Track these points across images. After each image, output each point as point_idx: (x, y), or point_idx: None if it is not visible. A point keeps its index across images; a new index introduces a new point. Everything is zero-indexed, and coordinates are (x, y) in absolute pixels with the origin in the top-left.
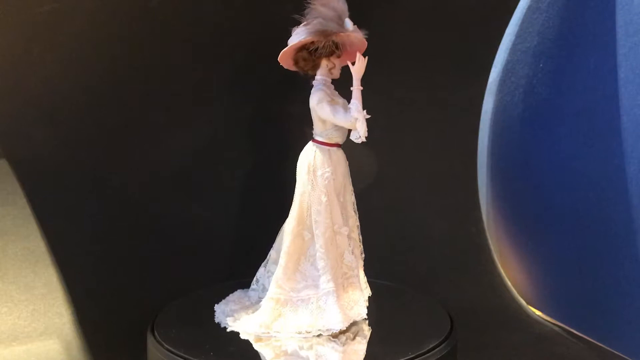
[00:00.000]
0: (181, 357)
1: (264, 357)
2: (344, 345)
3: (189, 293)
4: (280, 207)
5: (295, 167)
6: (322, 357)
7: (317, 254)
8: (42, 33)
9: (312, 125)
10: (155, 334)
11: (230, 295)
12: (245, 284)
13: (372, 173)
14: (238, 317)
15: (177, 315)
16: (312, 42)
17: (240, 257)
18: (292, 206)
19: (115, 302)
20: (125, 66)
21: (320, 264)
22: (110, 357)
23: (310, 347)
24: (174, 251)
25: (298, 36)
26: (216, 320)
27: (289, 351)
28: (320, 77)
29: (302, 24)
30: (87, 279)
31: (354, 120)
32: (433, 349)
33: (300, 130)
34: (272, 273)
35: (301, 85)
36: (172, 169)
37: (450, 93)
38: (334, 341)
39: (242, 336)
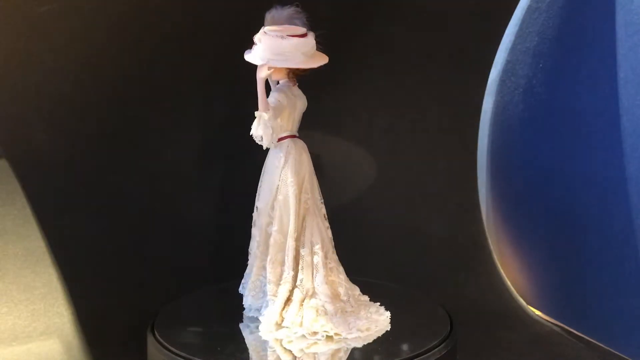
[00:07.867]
0: (181, 357)
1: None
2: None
3: (189, 293)
4: None
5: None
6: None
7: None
8: (42, 33)
9: (298, 124)
10: (155, 334)
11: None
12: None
13: (371, 173)
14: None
15: (177, 315)
16: None
17: (241, 257)
18: (323, 207)
19: (115, 302)
20: (125, 66)
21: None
22: (110, 357)
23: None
24: (174, 251)
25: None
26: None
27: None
28: None
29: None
30: (87, 279)
31: None
32: (433, 348)
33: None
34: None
35: (300, 84)
36: (172, 169)
37: (450, 93)
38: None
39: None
